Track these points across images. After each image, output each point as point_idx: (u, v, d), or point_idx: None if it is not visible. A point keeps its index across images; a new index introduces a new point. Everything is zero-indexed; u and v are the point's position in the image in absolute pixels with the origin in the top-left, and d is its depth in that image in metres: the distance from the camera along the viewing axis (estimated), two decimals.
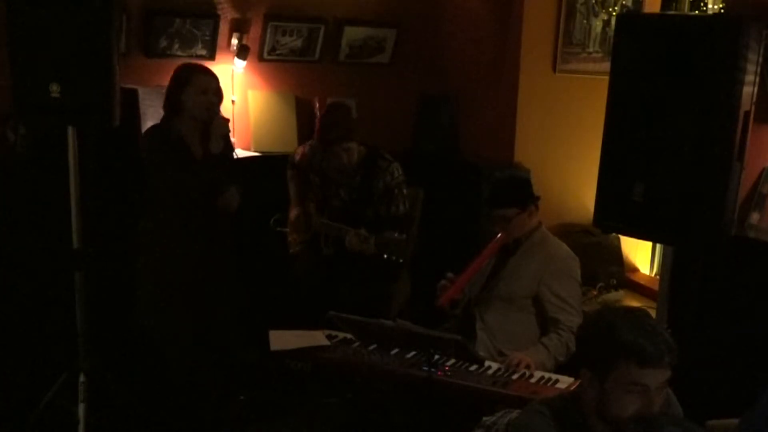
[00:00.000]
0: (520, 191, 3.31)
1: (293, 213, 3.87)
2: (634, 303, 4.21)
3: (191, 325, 3.55)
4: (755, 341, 3.03)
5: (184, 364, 3.62)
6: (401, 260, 3.46)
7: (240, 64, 4.48)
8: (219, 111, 3.48)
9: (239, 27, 4.50)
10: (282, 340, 3.15)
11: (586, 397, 1.89)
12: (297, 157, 3.96)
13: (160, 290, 3.52)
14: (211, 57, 4.44)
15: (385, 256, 3.42)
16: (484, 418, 2.14)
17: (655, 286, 3.31)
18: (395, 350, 3.06)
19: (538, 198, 3.32)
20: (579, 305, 3.26)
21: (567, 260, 3.29)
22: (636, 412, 1.79)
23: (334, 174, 3.77)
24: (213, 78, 3.45)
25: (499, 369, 2.96)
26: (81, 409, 3.21)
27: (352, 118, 3.78)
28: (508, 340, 3.21)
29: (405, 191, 3.79)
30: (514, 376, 2.91)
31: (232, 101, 4.53)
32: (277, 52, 4.64)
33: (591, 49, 4.41)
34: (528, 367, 2.96)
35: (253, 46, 4.54)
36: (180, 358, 3.61)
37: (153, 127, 3.64)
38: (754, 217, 3.31)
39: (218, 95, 3.46)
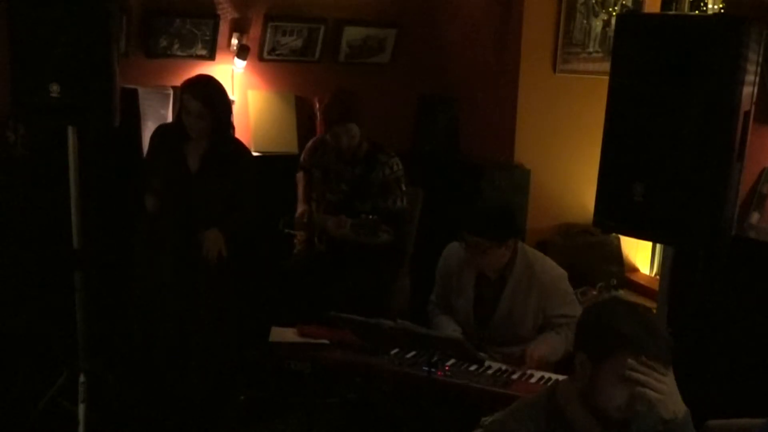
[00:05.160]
0: (502, 224, 3.11)
1: (298, 211, 3.88)
2: None
3: (188, 324, 3.55)
4: (755, 341, 3.03)
5: (182, 365, 3.62)
6: (373, 243, 3.47)
7: (240, 64, 4.48)
8: (215, 130, 3.41)
9: (239, 27, 4.50)
10: (282, 335, 3.17)
11: (573, 383, 1.91)
12: (302, 158, 3.98)
13: (155, 290, 3.53)
14: (211, 57, 4.44)
15: (360, 237, 3.43)
16: (484, 418, 2.14)
17: (655, 286, 3.31)
18: (395, 350, 3.06)
19: (518, 233, 3.21)
20: (577, 305, 3.27)
21: (560, 283, 3.22)
22: (622, 403, 1.80)
23: (335, 162, 3.77)
24: (197, 102, 3.34)
25: (499, 369, 2.96)
26: (81, 409, 3.21)
27: (355, 101, 3.73)
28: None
29: (404, 187, 3.78)
30: (514, 376, 2.91)
31: (232, 101, 4.53)
32: (277, 52, 4.64)
33: (591, 49, 4.41)
34: (541, 358, 2.97)
35: (253, 46, 4.54)
36: (176, 359, 3.61)
37: (161, 126, 3.65)
38: (754, 217, 3.31)
39: (205, 119, 3.36)
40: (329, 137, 3.72)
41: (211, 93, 3.40)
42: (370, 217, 3.40)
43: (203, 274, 3.50)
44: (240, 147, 3.62)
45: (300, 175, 3.97)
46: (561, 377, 2.86)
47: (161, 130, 3.60)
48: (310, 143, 3.99)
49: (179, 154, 3.45)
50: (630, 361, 1.77)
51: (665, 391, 1.78)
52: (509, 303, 3.19)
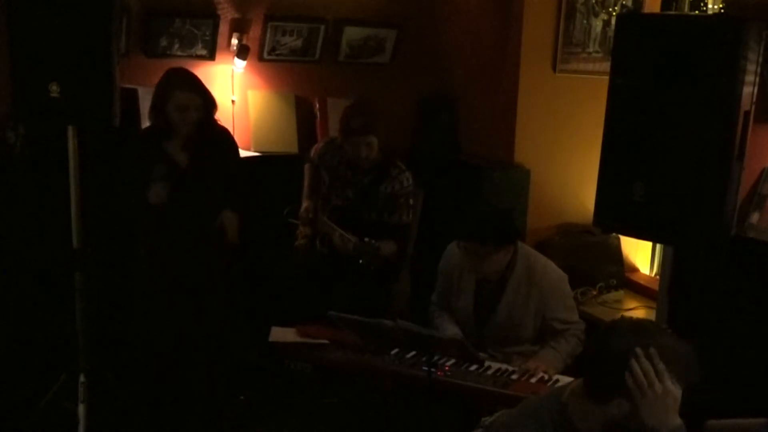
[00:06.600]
0: (497, 230, 3.07)
1: (303, 206, 3.88)
2: (634, 303, 4.22)
3: (189, 325, 3.55)
4: (755, 341, 3.03)
5: (182, 365, 3.62)
6: (372, 267, 3.43)
7: (240, 64, 4.48)
8: (204, 118, 3.43)
9: (239, 27, 4.50)
10: (282, 335, 3.17)
11: (592, 405, 1.84)
12: (312, 152, 3.97)
13: (157, 291, 3.53)
14: (211, 57, 4.44)
15: (360, 261, 3.41)
16: (484, 418, 2.13)
17: (655, 286, 3.31)
18: (395, 350, 3.06)
19: (518, 235, 3.19)
20: (577, 313, 3.28)
21: (560, 285, 3.22)
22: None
23: (344, 168, 3.77)
24: (194, 94, 3.36)
25: (498, 369, 2.96)
26: (81, 409, 3.21)
27: (376, 113, 3.74)
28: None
29: (411, 202, 3.78)
30: (514, 376, 2.91)
31: (232, 101, 4.54)
32: (277, 52, 4.64)
33: (591, 49, 4.41)
34: (545, 372, 2.96)
35: (253, 46, 4.54)
36: (177, 360, 3.61)
37: (132, 138, 3.60)
38: (754, 217, 3.31)
39: (200, 110, 3.38)
40: (347, 147, 3.68)
41: (199, 83, 3.46)
42: (373, 242, 3.40)
43: (205, 274, 3.50)
44: (219, 129, 3.63)
45: (307, 167, 3.97)
46: (561, 378, 2.89)
47: (135, 141, 3.57)
48: (321, 143, 3.97)
49: (163, 155, 3.44)
50: (638, 350, 1.76)
51: (649, 395, 1.75)
52: (509, 304, 3.19)
